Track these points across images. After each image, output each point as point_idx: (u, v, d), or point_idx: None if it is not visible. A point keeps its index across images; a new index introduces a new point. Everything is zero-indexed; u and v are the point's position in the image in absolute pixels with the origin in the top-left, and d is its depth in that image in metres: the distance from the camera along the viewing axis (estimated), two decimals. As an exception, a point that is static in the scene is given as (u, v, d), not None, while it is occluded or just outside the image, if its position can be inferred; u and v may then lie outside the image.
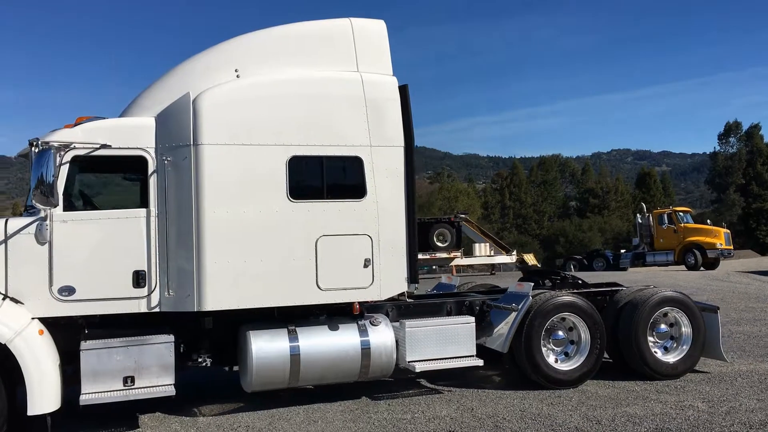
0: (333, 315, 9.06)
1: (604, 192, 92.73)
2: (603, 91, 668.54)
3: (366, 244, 8.86)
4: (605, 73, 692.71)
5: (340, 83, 8.97)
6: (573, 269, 40.12)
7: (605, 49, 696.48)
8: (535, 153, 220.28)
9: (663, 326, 10.22)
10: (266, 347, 8.50)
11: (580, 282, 10.97)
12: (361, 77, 9.04)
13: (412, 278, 9.15)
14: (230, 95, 8.49)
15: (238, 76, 8.72)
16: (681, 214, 38.54)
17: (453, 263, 33.84)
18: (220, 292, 8.24)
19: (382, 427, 8.04)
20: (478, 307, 10.10)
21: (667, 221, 37.85)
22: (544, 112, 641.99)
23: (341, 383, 9.27)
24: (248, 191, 8.42)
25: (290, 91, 8.74)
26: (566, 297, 9.80)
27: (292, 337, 8.64)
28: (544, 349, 9.65)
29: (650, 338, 10.14)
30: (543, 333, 9.60)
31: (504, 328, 9.54)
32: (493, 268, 37.79)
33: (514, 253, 38.60)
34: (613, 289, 10.68)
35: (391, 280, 9.00)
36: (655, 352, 10.14)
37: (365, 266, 8.84)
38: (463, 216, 50.05)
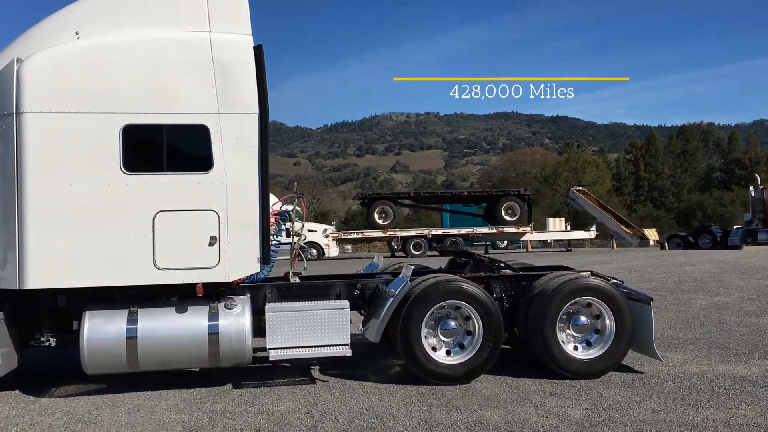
0: (188, 297, 8.40)
1: (753, 162, 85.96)
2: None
3: (212, 220, 8.13)
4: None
5: (183, 45, 8.21)
6: (678, 247, 37.12)
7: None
8: (688, 120, 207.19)
9: (583, 318, 8.81)
10: (100, 329, 8.01)
11: (500, 265, 9.70)
12: (209, 37, 8.23)
13: (265, 258, 8.33)
14: (56, 60, 7.95)
15: (78, 39, 8.19)
16: None
17: (524, 238, 32.03)
18: (43, 270, 7.80)
19: (198, 419, 7.36)
20: (370, 291, 9.14)
21: (781, 195, 34.22)
22: (707, 77, 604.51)
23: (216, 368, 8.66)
24: (76, 163, 7.89)
25: (126, 55, 8.09)
26: (456, 283, 8.61)
27: (131, 319, 8.09)
28: (433, 340, 8.60)
29: (567, 331, 8.81)
30: (429, 322, 8.54)
31: (380, 315, 8.55)
32: (569, 243, 35.52)
33: (593, 228, 35.94)
34: (530, 273, 9.36)
35: (241, 259, 8.22)
36: (575, 347, 8.80)
37: (210, 244, 8.12)
38: (580, 188, 47.73)
